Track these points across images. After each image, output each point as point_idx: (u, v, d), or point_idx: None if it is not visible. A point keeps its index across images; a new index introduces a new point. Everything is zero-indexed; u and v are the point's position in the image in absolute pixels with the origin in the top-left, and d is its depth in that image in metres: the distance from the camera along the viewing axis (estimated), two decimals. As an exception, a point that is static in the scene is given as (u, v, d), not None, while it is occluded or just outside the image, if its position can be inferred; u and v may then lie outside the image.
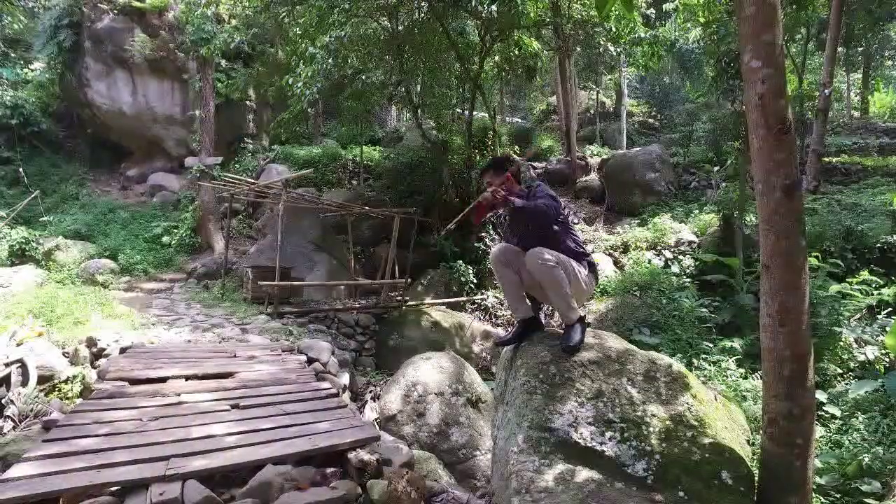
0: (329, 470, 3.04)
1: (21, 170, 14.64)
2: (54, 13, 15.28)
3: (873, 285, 6.72)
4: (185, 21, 13.86)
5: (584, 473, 2.49)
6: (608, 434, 2.63)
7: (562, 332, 3.19)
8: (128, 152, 17.21)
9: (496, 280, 3.69)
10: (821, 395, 4.84)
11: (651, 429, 2.65)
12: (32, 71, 17.46)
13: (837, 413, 4.64)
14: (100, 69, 15.38)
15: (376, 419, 5.94)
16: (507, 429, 2.89)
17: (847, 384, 5.34)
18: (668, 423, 2.68)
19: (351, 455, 3.13)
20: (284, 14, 10.80)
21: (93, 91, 15.51)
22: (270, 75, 13.47)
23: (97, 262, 11.72)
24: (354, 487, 2.93)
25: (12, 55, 18.12)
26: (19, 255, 11.48)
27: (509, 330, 3.43)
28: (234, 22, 12.91)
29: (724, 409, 3.07)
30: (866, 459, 3.65)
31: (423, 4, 11.44)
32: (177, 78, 15.55)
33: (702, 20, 12.16)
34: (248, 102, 16.69)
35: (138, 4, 14.97)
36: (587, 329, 3.18)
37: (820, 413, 4.64)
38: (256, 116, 17.59)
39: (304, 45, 9.84)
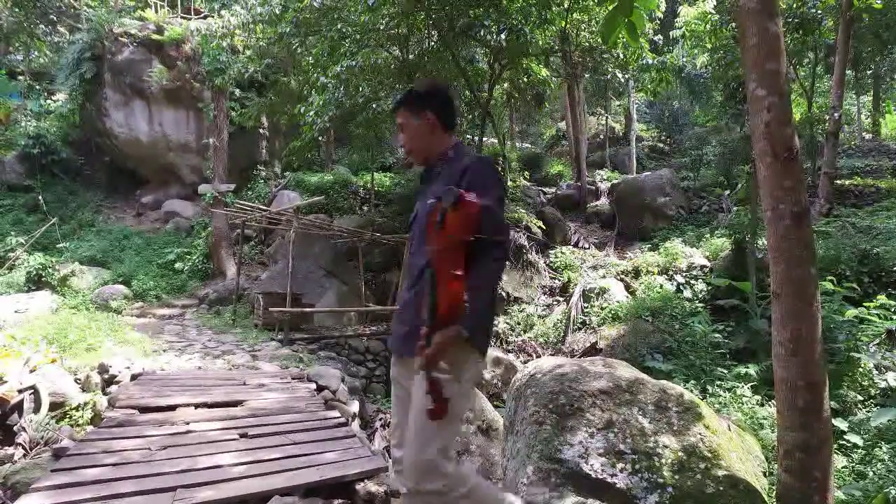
0: (337, 502, 3.01)
1: (40, 197, 15.01)
2: (77, 46, 15.85)
3: (892, 309, 6.58)
4: (201, 52, 14.28)
5: (595, 507, 2.43)
6: (619, 465, 2.58)
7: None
8: (144, 179, 17.58)
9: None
10: (841, 424, 4.70)
11: (663, 460, 2.59)
12: (55, 102, 18.02)
13: (860, 442, 4.48)
14: (118, 99, 15.85)
15: (386, 447, 5.87)
16: (516, 459, 2.85)
17: (868, 412, 5.19)
18: (680, 454, 2.62)
19: (359, 486, 3.10)
20: (297, 45, 11.06)
21: (111, 120, 15.97)
22: (283, 104, 13.74)
23: (111, 288, 11.87)
24: (361, 520, 2.89)
25: (37, 87, 18.76)
26: (36, 281, 11.66)
27: None
28: (248, 52, 13.24)
29: (738, 439, 3.00)
30: (893, 492, 3.52)
31: (433, 34, 11.67)
32: (192, 107, 15.93)
33: (709, 46, 12.31)
34: (261, 130, 17.04)
35: (157, 37, 15.47)
36: (598, 357, 3.12)
37: (841, 442, 4.50)
38: (269, 144, 17.91)
39: (316, 74, 10.06)
